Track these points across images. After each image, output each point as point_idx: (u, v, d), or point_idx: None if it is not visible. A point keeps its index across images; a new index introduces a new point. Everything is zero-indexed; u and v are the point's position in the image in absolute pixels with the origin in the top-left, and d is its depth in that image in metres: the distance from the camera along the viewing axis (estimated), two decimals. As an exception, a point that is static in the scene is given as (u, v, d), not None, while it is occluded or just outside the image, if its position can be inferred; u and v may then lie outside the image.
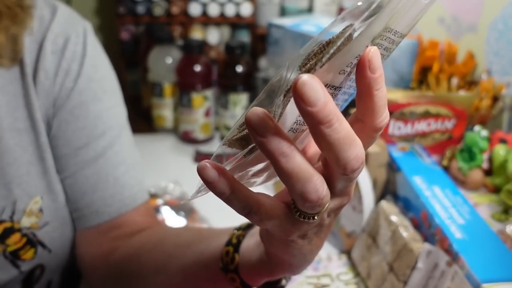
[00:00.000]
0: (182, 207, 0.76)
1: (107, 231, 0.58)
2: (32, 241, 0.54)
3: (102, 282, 0.58)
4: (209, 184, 0.29)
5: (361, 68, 0.27)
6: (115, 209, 0.57)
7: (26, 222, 0.53)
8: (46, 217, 0.55)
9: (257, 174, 0.32)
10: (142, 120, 1.11)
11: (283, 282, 0.43)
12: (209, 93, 0.99)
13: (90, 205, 0.57)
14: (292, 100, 0.26)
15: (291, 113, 0.28)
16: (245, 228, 0.44)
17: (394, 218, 0.63)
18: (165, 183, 0.82)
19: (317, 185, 0.28)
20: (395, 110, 0.84)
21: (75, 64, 0.55)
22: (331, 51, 0.26)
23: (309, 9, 1.33)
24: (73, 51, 0.55)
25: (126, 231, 0.58)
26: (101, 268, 0.58)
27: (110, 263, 0.57)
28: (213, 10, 1.28)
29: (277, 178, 0.30)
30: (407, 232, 0.61)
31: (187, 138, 1.01)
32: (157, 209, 0.75)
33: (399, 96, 0.83)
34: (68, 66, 0.55)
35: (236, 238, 0.44)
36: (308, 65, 0.27)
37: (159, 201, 0.77)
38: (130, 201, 0.58)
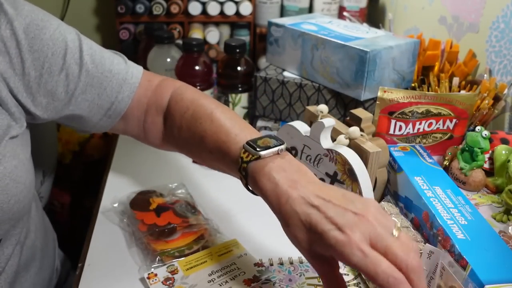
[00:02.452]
0: (186, 208, 0.76)
1: (143, 116, 0.69)
2: None
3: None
4: None
5: None
6: (127, 91, 0.67)
7: None
8: None
9: None
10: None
11: None
12: (209, 92, 0.98)
13: (109, 101, 0.66)
14: None
15: None
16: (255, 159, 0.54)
17: (394, 218, 0.62)
18: (171, 184, 0.82)
19: None
20: (396, 110, 0.83)
21: None
22: None
23: (309, 8, 1.33)
24: None
25: (148, 101, 0.69)
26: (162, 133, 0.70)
27: (171, 137, 0.69)
28: (213, 9, 1.28)
29: None
30: (408, 233, 0.60)
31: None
32: (160, 210, 0.74)
33: (400, 95, 0.82)
34: None
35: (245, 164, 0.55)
36: None
37: (164, 201, 0.77)
38: (134, 79, 0.68)
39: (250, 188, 0.57)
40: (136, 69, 0.69)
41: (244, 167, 0.55)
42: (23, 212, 0.64)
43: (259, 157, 0.54)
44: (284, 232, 0.51)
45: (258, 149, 0.54)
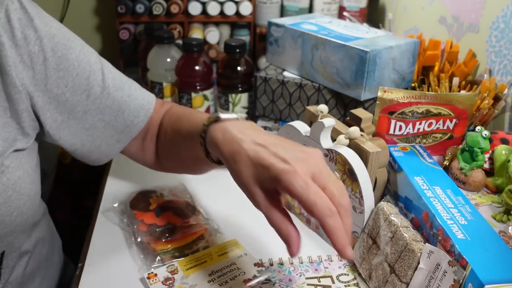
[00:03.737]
0: (186, 208, 0.76)
1: (144, 135, 0.73)
2: None
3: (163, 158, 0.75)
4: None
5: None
6: (143, 116, 0.70)
7: None
8: None
9: None
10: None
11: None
12: (209, 92, 0.98)
13: (124, 124, 0.69)
14: None
15: None
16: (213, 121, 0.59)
17: (394, 218, 0.62)
18: (171, 184, 0.82)
19: None
20: (396, 110, 0.83)
21: (28, 29, 0.58)
22: None
23: (309, 8, 1.33)
24: (17, 18, 0.58)
25: (156, 126, 0.73)
26: (155, 155, 0.75)
27: (160, 146, 0.73)
28: (213, 9, 1.28)
29: None
30: (408, 232, 0.60)
31: (186, 138, 1.00)
32: (160, 210, 0.74)
33: (400, 95, 0.82)
34: (23, 33, 0.58)
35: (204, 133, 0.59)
36: None
37: (164, 201, 0.77)
38: (149, 105, 0.71)
39: (210, 155, 0.60)
40: (150, 96, 0.73)
41: (204, 130, 0.58)
42: (26, 225, 0.63)
43: (218, 119, 0.58)
44: (229, 169, 0.54)
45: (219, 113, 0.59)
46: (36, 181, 0.64)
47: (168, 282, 0.62)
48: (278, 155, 0.49)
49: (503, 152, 0.81)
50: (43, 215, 0.76)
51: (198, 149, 0.61)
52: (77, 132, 0.66)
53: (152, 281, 0.62)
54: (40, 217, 0.73)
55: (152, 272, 0.64)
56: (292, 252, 0.49)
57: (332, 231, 0.47)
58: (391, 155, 0.75)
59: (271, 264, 0.67)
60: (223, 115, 0.58)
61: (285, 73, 0.95)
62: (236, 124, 0.56)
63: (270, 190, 0.50)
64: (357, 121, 0.74)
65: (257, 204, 0.51)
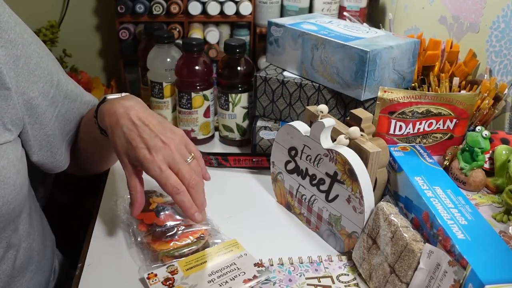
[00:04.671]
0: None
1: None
2: None
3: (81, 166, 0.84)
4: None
5: None
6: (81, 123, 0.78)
7: None
8: None
9: None
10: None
11: None
12: (209, 92, 0.98)
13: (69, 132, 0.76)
14: None
15: None
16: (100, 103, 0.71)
17: (394, 218, 0.62)
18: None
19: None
20: (396, 110, 0.83)
21: (13, 33, 0.62)
22: None
23: (309, 8, 1.33)
24: (5, 21, 0.61)
25: None
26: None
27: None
28: (213, 9, 1.28)
29: None
30: (408, 232, 0.60)
31: (186, 138, 1.00)
32: (160, 210, 0.74)
33: (400, 95, 0.82)
34: (9, 36, 0.62)
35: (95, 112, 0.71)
36: None
37: (164, 201, 0.77)
38: (86, 110, 0.79)
39: (104, 132, 0.70)
40: (92, 101, 0.82)
41: (96, 110, 0.71)
42: (13, 215, 0.63)
43: (105, 99, 0.70)
44: (110, 139, 0.67)
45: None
46: (21, 171, 0.64)
47: (168, 283, 0.62)
48: (144, 140, 0.63)
49: (503, 152, 0.81)
50: (34, 209, 0.76)
51: (94, 130, 0.72)
52: (38, 137, 0.69)
53: (152, 281, 0.62)
54: (29, 210, 0.73)
55: (152, 273, 0.64)
56: (132, 212, 0.66)
57: (181, 204, 0.63)
58: (391, 155, 0.75)
59: (271, 264, 0.67)
60: (109, 96, 0.71)
61: (285, 73, 0.95)
62: (120, 100, 0.68)
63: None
64: (357, 121, 0.74)
65: (126, 169, 0.65)
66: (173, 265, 0.65)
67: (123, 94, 0.72)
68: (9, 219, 0.63)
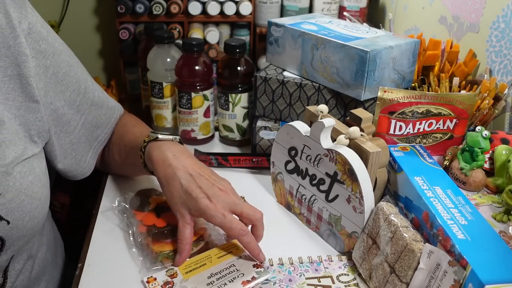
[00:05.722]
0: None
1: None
2: None
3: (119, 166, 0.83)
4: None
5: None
6: (109, 129, 0.80)
7: None
8: None
9: None
10: (141, 120, 1.10)
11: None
12: (209, 92, 0.98)
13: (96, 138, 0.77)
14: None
15: None
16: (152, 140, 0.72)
17: (394, 218, 0.62)
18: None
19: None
20: (396, 110, 0.83)
21: (44, 43, 0.64)
22: None
23: (309, 8, 1.33)
24: (37, 31, 0.63)
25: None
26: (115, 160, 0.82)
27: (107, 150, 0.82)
28: (213, 9, 1.28)
29: None
30: (408, 232, 0.60)
31: (186, 138, 1.00)
32: (160, 210, 0.74)
33: (400, 95, 0.82)
34: (40, 47, 0.63)
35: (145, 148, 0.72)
36: None
37: (163, 200, 0.77)
38: (115, 116, 0.81)
39: (147, 167, 0.72)
40: (117, 107, 0.83)
41: (144, 146, 0.72)
42: (36, 229, 0.64)
43: (157, 138, 0.71)
44: (162, 188, 0.68)
45: (157, 134, 0.72)
46: (46, 185, 0.65)
47: (167, 286, 0.62)
48: (203, 189, 0.65)
49: (503, 152, 0.81)
50: (47, 218, 0.76)
51: (137, 160, 0.73)
52: (63, 146, 0.70)
53: (152, 285, 0.62)
54: (48, 218, 0.73)
55: (151, 277, 0.63)
56: (177, 261, 0.65)
57: (247, 245, 0.65)
58: (391, 155, 0.75)
59: (271, 264, 0.67)
60: (161, 136, 0.72)
61: (285, 73, 0.95)
62: (170, 146, 0.70)
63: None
64: (357, 121, 0.74)
65: (182, 220, 0.65)
66: (173, 268, 0.65)
67: (171, 136, 0.73)
68: (33, 233, 0.63)
